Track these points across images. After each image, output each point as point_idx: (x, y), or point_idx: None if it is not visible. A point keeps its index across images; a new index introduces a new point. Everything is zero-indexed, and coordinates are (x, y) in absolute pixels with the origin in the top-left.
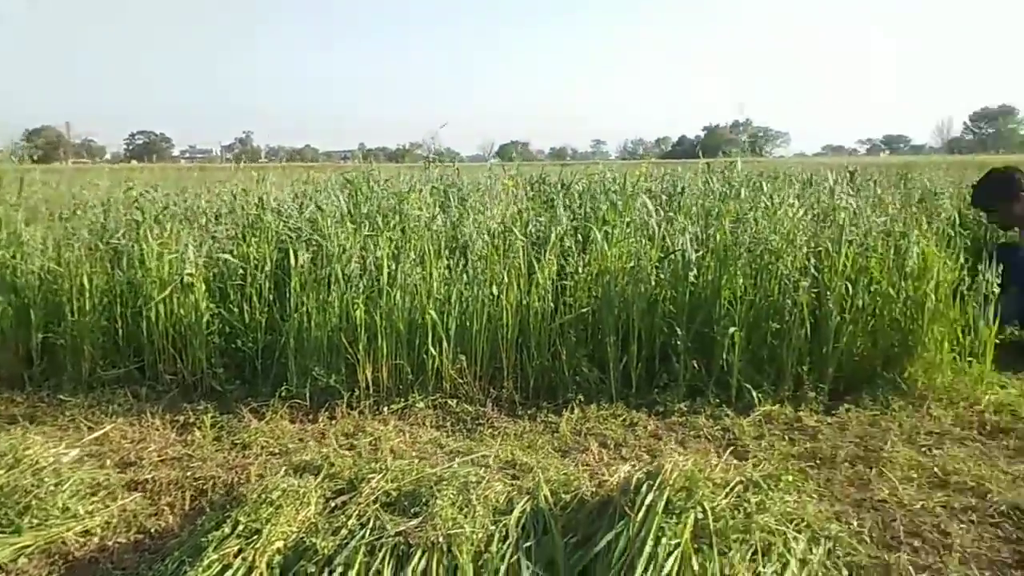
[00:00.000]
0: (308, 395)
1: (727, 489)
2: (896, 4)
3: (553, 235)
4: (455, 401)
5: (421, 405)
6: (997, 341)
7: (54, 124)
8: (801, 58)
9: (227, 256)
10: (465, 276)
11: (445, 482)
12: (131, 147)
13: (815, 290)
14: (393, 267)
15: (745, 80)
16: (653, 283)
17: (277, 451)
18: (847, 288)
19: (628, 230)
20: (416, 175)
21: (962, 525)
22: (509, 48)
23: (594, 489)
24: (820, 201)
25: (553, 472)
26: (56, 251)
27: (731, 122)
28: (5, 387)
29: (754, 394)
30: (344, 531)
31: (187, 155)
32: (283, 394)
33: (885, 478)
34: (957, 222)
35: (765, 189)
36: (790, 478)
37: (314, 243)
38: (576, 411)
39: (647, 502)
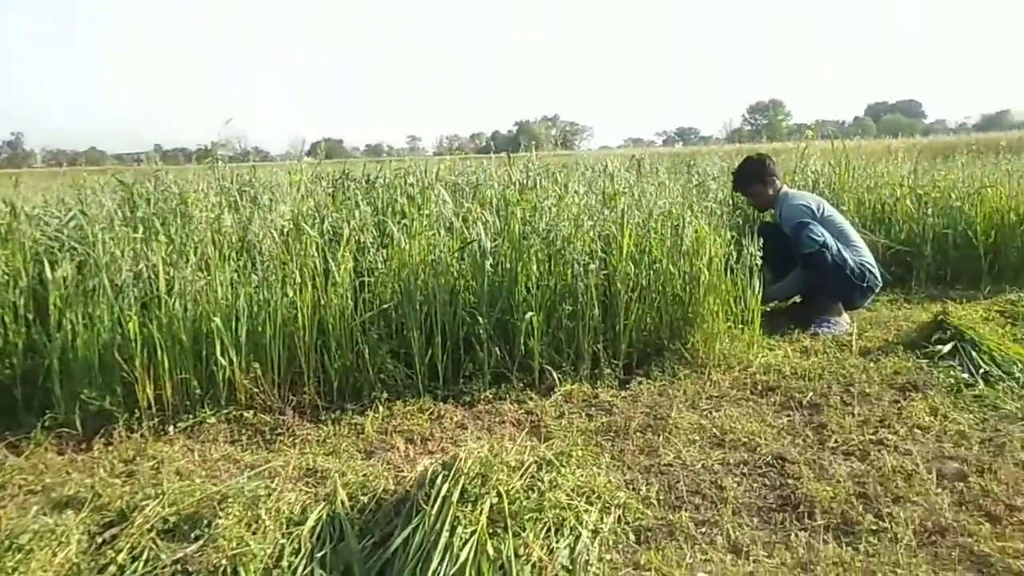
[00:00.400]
0: (79, 422)
1: (522, 471)
2: (687, 8)
3: (347, 231)
4: (251, 412)
5: (212, 420)
6: (767, 309)
7: None
8: (604, 57)
9: None
10: (255, 279)
11: (231, 499)
12: None
13: (604, 271)
14: (171, 273)
15: (555, 76)
16: (454, 274)
17: (39, 488)
18: (631, 268)
19: (426, 223)
20: (210, 175)
21: (735, 479)
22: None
23: (394, 487)
24: (605, 189)
25: (352, 475)
26: None
27: (540, 117)
28: None
29: (555, 375)
30: (112, 567)
31: None
32: (47, 423)
33: (671, 443)
34: (729, 203)
35: (559, 179)
36: (581, 452)
37: (80, 252)
38: (382, 409)
39: (442, 493)
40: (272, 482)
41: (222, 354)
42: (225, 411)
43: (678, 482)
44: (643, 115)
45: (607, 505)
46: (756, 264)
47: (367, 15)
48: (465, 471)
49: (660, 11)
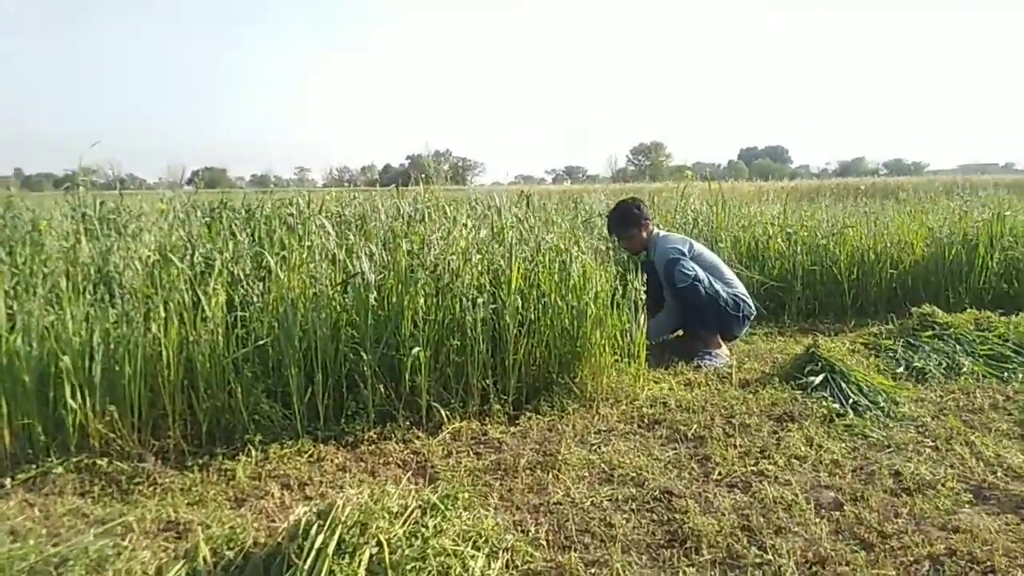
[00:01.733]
0: None
1: (404, 517)
2: (576, 53)
3: (219, 262)
4: (106, 460)
5: (60, 470)
6: (651, 344)
7: None
8: (496, 95)
9: None
10: (113, 313)
11: (72, 562)
12: None
13: (493, 306)
14: (14, 307)
15: (447, 112)
16: (336, 308)
17: None
18: (520, 302)
19: (307, 255)
20: (70, 201)
21: (624, 515)
22: (215, 71)
23: (264, 539)
24: (493, 223)
25: (218, 527)
26: None
27: (432, 152)
28: None
29: (443, 413)
30: None
31: None
32: None
33: (560, 480)
34: (614, 240)
35: (448, 212)
36: (467, 495)
37: None
38: (256, 453)
39: (316, 544)
40: (124, 539)
41: (72, 397)
42: (75, 459)
43: (567, 521)
44: (533, 153)
45: (495, 549)
46: (640, 298)
47: (254, 43)
48: (342, 519)
49: (549, 53)
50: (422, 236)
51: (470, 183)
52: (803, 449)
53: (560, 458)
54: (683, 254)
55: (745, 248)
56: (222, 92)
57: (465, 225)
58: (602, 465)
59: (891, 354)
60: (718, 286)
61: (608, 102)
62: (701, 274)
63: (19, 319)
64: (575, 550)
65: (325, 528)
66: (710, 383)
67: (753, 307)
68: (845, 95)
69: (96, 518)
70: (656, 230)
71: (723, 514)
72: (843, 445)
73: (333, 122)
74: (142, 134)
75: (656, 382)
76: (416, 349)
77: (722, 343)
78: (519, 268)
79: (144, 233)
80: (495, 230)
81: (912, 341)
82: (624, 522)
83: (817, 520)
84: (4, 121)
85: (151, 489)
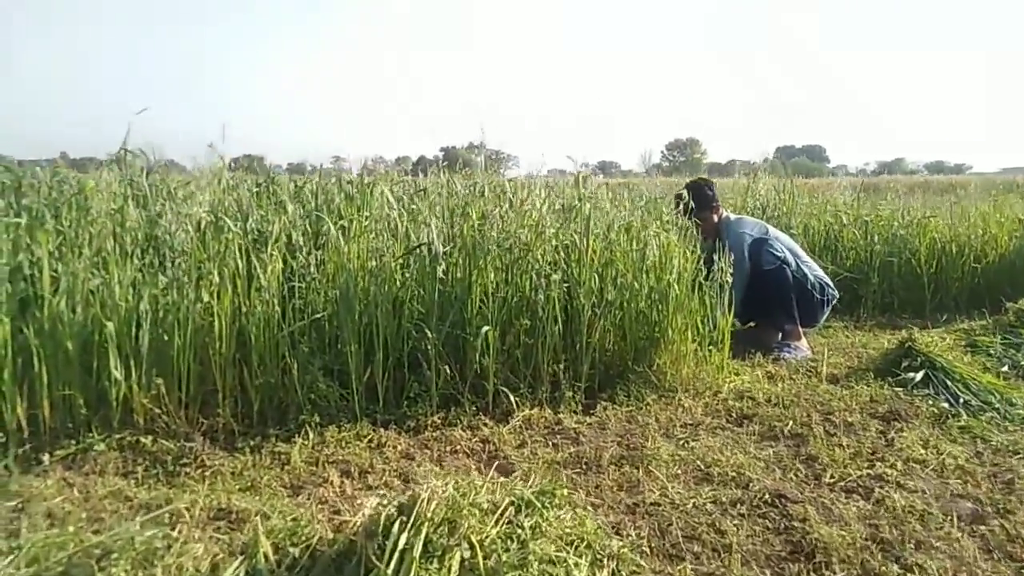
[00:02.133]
0: None
1: (496, 515)
2: (606, 47)
3: (276, 228)
4: (151, 438)
5: (101, 447)
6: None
7: None
8: (525, 90)
9: None
10: (162, 279)
11: (117, 554)
12: None
13: (566, 283)
14: (58, 269)
15: (477, 107)
16: (398, 282)
17: None
18: (596, 280)
19: (368, 224)
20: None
21: (734, 521)
22: (252, 62)
23: (332, 535)
24: (563, 196)
25: (279, 519)
26: None
27: (467, 144)
28: None
29: (512, 398)
30: None
31: None
32: None
33: (653, 477)
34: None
35: (508, 191)
36: (565, 492)
37: None
38: (312, 436)
39: (400, 545)
40: (174, 529)
41: (117, 367)
42: (118, 436)
43: (670, 525)
44: (564, 147)
45: (598, 556)
46: (727, 280)
47: (291, 31)
48: (428, 516)
49: (581, 48)
50: (482, 211)
51: (503, 175)
52: (920, 452)
53: (647, 453)
54: (765, 236)
55: (818, 237)
56: (258, 85)
57: (539, 195)
58: (696, 462)
59: (989, 351)
60: (805, 269)
61: (641, 95)
62: (789, 256)
63: (64, 281)
64: (686, 559)
65: (409, 526)
66: (795, 377)
67: (836, 291)
68: (885, 95)
69: (140, 502)
70: (727, 213)
71: (848, 524)
72: (964, 449)
73: (366, 112)
74: (180, 119)
75: (736, 374)
76: (485, 328)
77: (803, 335)
78: (595, 243)
79: (196, 196)
80: (567, 204)
81: (1011, 338)
82: (735, 529)
83: (959, 535)
84: (49, 105)
85: (199, 472)
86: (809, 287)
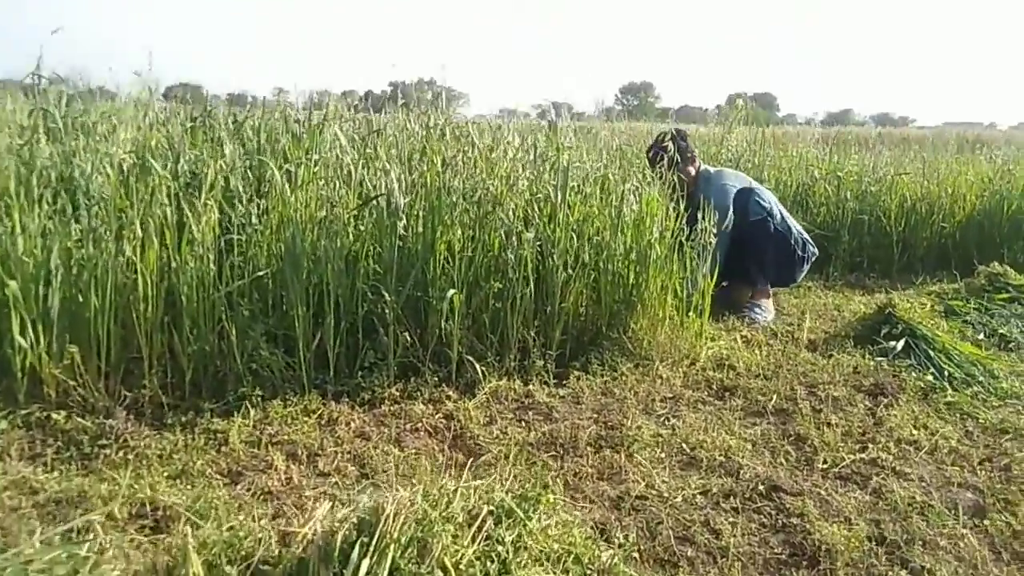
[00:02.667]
0: None
1: (473, 528)
2: None
3: (211, 172)
4: (63, 414)
5: (3, 425)
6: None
7: None
8: (479, 24)
9: None
10: (76, 229)
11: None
12: None
13: (538, 243)
14: None
15: (430, 39)
16: (352, 237)
17: None
18: (573, 241)
19: (317, 170)
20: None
21: (729, 518)
22: None
23: (278, 548)
24: (538, 143)
25: (212, 525)
26: None
27: (416, 79)
28: None
29: (478, 368)
30: None
31: None
32: None
33: (636, 463)
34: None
35: (474, 136)
36: (551, 498)
37: None
38: (253, 412)
39: (362, 571)
40: (86, 531)
41: (22, 333)
42: (24, 412)
43: (660, 523)
44: (516, 87)
45: (588, 572)
46: (709, 241)
47: None
48: (394, 536)
49: None
50: (451, 157)
51: (455, 115)
52: (911, 432)
53: (628, 433)
54: (750, 187)
55: (789, 191)
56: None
57: (510, 142)
58: (680, 444)
59: (966, 318)
60: (789, 222)
61: (597, 37)
62: (775, 209)
63: None
64: (680, 566)
65: (372, 550)
66: (773, 343)
67: (816, 248)
68: (834, 46)
69: (50, 495)
70: (705, 166)
71: (849, 520)
72: (955, 429)
73: (310, 40)
74: (112, 42)
75: (712, 339)
76: (451, 292)
77: (770, 295)
78: (574, 200)
79: (118, 132)
80: (542, 153)
81: (986, 304)
82: (730, 527)
83: (964, 532)
84: None
85: (121, 455)
86: (792, 242)
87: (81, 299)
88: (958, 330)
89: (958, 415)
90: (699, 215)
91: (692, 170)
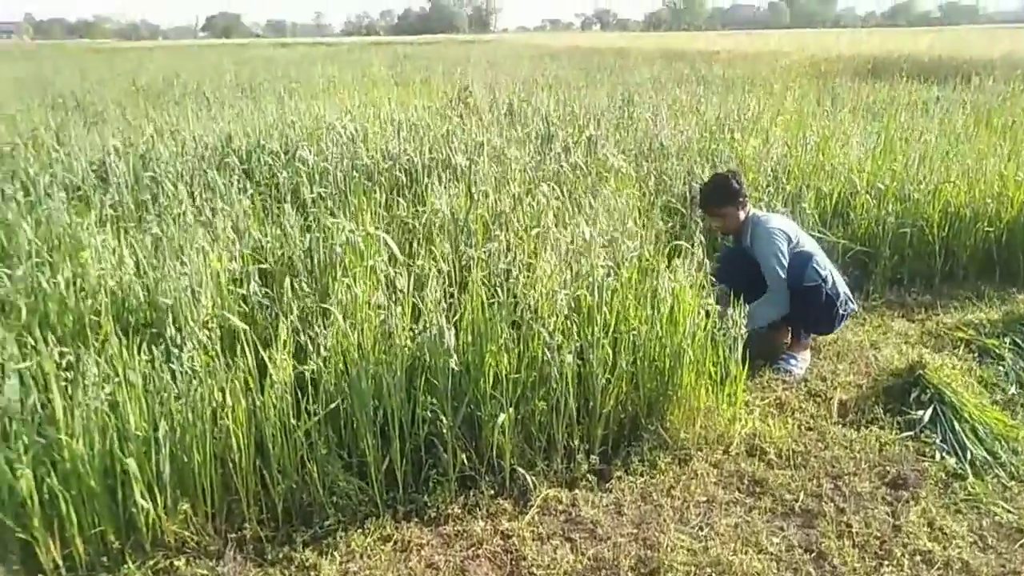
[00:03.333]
0: None
1: None
2: None
3: (284, 329)
4: (184, 559)
5: (137, 575)
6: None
7: None
8: None
9: None
10: (176, 381)
11: None
12: None
13: (580, 354)
14: (70, 394)
15: None
16: (408, 354)
17: None
18: (609, 352)
19: (370, 280)
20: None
21: None
22: None
23: None
24: (577, 242)
25: None
26: None
27: None
28: None
29: (529, 480)
30: None
31: None
32: None
33: None
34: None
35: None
36: None
37: None
38: (341, 544)
39: None
40: None
41: (142, 496)
42: (152, 562)
43: None
44: None
45: None
46: (740, 334)
47: None
48: None
49: None
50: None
51: (493, 28)
52: (927, 543)
53: (664, 557)
54: (789, 244)
55: (830, 203)
56: None
57: (548, 261)
58: (711, 571)
59: (1000, 363)
60: (839, 287)
61: None
62: (829, 275)
63: (78, 416)
64: None
65: None
66: (806, 407)
67: (856, 305)
68: None
69: None
70: (753, 210)
71: None
72: (970, 533)
73: None
74: None
75: (745, 405)
76: (502, 416)
77: (809, 347)
78: (611, 307)
79: (202, 291)
80: (578, 250)
81: (1021, 340)
82: None
83: None
84: None
85: None
86: (837, 303)
87: (186, 458)
88: (991, 382)
89: (975, 512)
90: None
91: (742, 214)
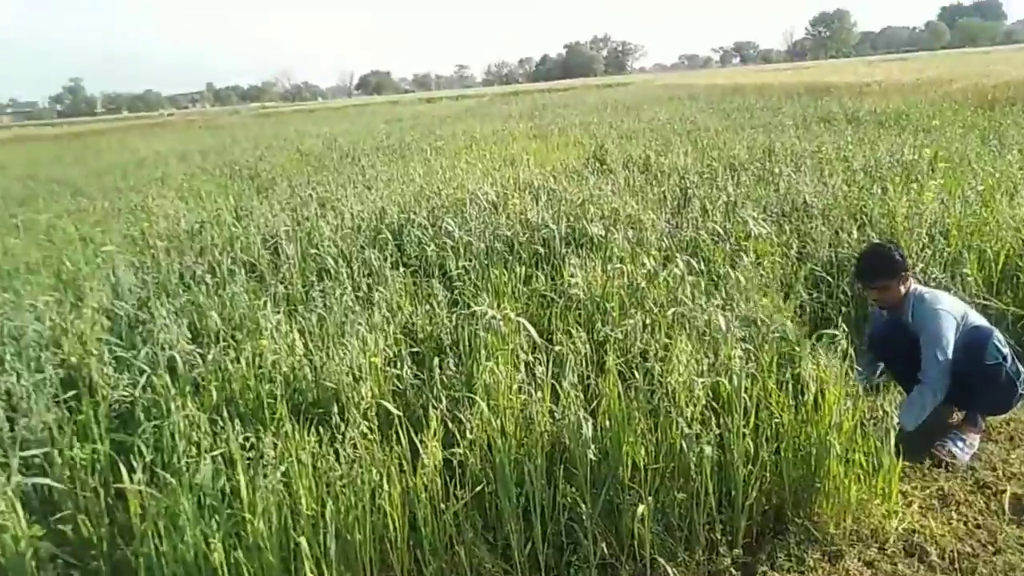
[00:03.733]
0: None
1: None
2: None
3: (435, 419)
4: None
5: None
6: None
7: None
8: None
9: (45, 481)
10: (339, 463)
11: None
12: None
13: (718, 431)
14: (251, 470)
15: None
16: (547, 443)
17: None
18: (752, 437)
19: (512, 369)
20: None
21: None
22: None
23: None
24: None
25: None
26: None
27: (591, 38)
28: None
29: (670, 571)
30: None
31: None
32: None
33: None
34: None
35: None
36: None
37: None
38: None
39: None
40: None
41: (311, 572)
42: None
43: None
44: (697, 28)
45: None
46: (893, 425)
47: None
48: None
49: None
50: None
51: (629, 69)
52: None
53: None
54: (957, 326)
55: (998, 265)
56: None
57: (684, 349)
58: None
59: None
60: (1019, 365)
61: None
62: (1009, 353)
63: (259, 495)
64: None
65: None
66: (973, 500)
67: None
68: None
69: None
70: (917, 286)
71: None
72: None
73: (488, 10)
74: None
75: (903, 493)
76: (641, 508)
77: (981, 431)
78: (752, 396)
79: (363, 380)
80: (714, 339)
81: None
82: None
83: None
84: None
85: None
86: (1018, 383)
87: (349, 537)
88: None
89: None
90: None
91: (903, 289)
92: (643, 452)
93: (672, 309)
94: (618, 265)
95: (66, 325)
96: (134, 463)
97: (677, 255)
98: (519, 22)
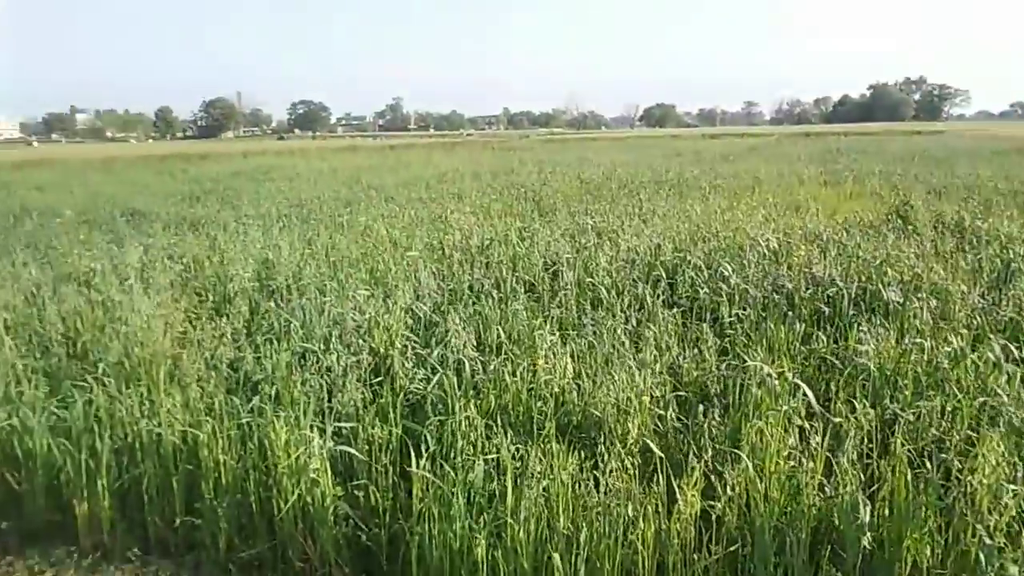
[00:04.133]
0: None
1: None
2: None
3: (698, 467)
4: None
5: None
6: None
7: (227, 95)
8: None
9: (349, 451)
10: (598, 490)
11: None
12: (293, 116)
13: None
14: (520, 482)
15: (916, 31)
16: (814, 518)
17: None
18: None
19: (782, 431)
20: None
21: None
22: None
23: None
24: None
25: None
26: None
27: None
28: (153, 553)
29: None
30: None
31: (343, 123)
32: None
33: None
34: None
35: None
36: None
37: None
38: None
39: None
40: None
41: None
42: None
43: None
44: None
45: None
46: None
47: None
48: None
49: None
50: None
51: (945, 115)
52: None
53: None
54: None
55: None
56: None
57: (995, 448)
58: None
59: None
60: None
61: None
62: None
63: (523, 504)
64: None
65: None
66: None
67: None
68: None
69: None
70: None
71: None
72: None
73: (779, 47)
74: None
75: None
76: None
77: None
78: None
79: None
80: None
81: None
82: None
83: None
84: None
85: None
86: None
87: (597, 564)
88: None
89: None
90: None
91: None
92: (928, 552)
93: (981, 399)
94: (916, 339)
95: (379, 318)
96: (422, 450)
97: (991, 336)
98: (818, 62)
